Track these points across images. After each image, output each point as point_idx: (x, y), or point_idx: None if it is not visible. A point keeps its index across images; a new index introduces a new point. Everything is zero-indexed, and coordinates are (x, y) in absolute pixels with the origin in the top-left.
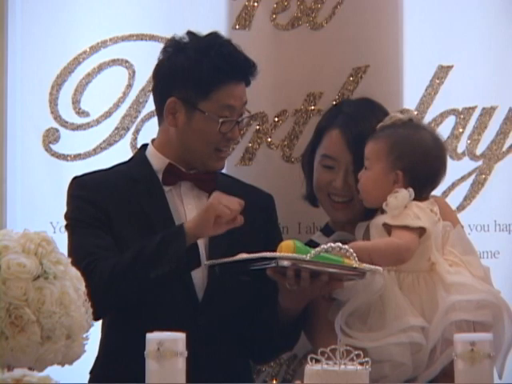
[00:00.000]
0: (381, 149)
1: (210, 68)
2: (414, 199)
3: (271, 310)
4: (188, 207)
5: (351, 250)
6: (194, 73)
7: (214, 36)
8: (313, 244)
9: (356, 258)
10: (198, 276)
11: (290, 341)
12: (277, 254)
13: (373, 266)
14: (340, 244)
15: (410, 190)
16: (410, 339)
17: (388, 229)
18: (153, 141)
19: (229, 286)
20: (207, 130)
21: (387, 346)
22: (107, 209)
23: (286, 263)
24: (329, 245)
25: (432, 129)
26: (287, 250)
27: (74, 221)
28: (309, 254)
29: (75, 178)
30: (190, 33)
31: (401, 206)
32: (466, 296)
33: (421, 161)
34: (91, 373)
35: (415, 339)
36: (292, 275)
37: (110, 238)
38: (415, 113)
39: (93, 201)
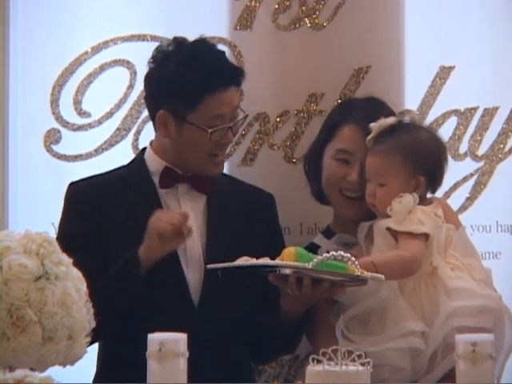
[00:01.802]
0: (393, 161)
1: (194, 81)
2: (422, 203)
3: (273, 313)
4: (185, 209)
5: (353, 258)
6: (180, 87)
7: (198, 44)
8: (314, 247)
9: (358, 266)
10: (195, 279)
11: (291, 343)
12: (278, 262)
13: (375, 274)
14: (342, 252)
15: (415, 194)
16: (409, 344)
17: (392, 232)
18: (151, 143)
19: (225, 290)
20: (198, 140)
21: (386, 350)
22: (100, 219)
23: (287, 271)
24: (331, 253)
25: (424, 125)
26: (289, 257)
27: (63, 238)
28: (311, 263)
29: (71, 184)
30: (175, 39)
31: (405, 211)
32: (467, 301)
33: (433, 159)
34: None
35: (414, 344)
36: (294, 282)
37: (95, 258)
38: (417, 113)
39: (84, 212)
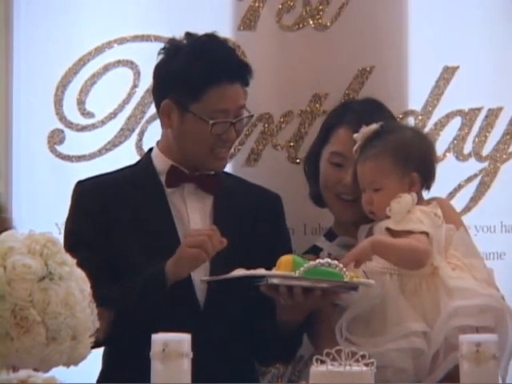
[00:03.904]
0: (384, 164)
1: (200, 71)
2: (419, 201)
3: (270, 322)
4: (191, 209)
5: (341, 266)
6: (186, 75)
7: (208, 38)
8: (317, 249)
9: (346, 273)
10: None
11: (289, 351)
12: (266, 273)
13: (365, 280)
14: (329, 260)
15: (413, 194)
16: (410, 345)
17: (392, 233)
18: (158, 143)
19: (230, 292)
20: (199, 131)
21: (388, 351)
22: (106, 218)
23: (275, 281)
24: (318, 261)
25: (407, 124)
26: (286, 266)
27: (69, 236)
28: (297, 271)
29: (78, 183)
30: (187, 34)
31: (404, 211)
32: (468, 301)
33: (422, 155)
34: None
35: (416, 344)
36: (285, 291)
37: (100, 258)
38: (420, 114)
39: (91, 211)
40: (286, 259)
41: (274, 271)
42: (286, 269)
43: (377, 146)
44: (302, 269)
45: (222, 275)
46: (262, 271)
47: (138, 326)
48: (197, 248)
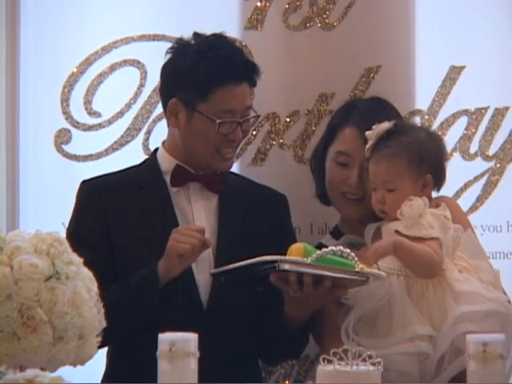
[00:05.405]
0: (400, 165)
1: (207, 70)
2: (429, 202)
3: (277, 319)
4: (196, 208)
5: (353, 254)
6: (193, 75)
7: (216, 37)
8: (322, 247)
9: (358, 263)
10: (204, 279)
11: (295, 349)
12: (277, 258)
13: (376, 271)
14: (341, 247)
15: (425, 198)
16: (416, 349)
17: (401, 236)
18: (163, 142)
19: (234, 291)
20: (206, 131)
21: (393, 354)
22: (110, 218)
23: (286, 266)
24: (330, 248)
25: (419, 125)
26: (297, 253)
27: (72, 236)
28: (310, 258)
29: (83, 182)
30: (195, 34)
31: (415, 216)
32: (474, 306)
33: (435, 156)
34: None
35: (422, 349)
36: (294, 280)
37: (103, 258)
38: (427, 113)
39: (95, 210)
40: (296, 246)
41: (285, 256)
42: (296, 256)
43: (392, 146)
44: (314, 255)
45: (231, 265)
46: (267, 256)
47: (135, 326)
48: (185, 243)
